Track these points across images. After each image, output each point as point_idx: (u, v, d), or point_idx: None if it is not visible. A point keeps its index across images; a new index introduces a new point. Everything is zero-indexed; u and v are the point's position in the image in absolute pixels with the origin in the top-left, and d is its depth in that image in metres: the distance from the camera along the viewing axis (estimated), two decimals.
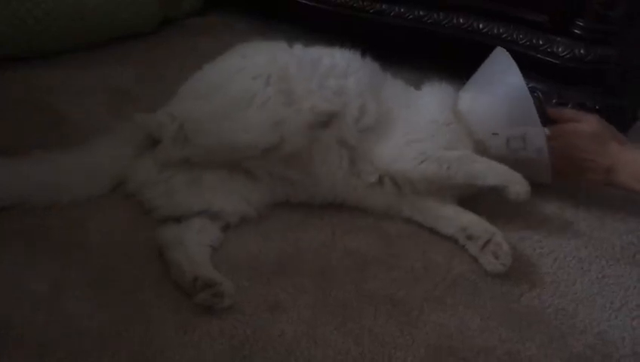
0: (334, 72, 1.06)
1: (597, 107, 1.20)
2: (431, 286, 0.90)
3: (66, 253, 0.90)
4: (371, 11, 1.44)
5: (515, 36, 1.27)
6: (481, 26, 1.32)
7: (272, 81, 1.01)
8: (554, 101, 1.22)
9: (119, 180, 1.01)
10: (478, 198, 1.04)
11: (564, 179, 1.05)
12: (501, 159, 1.04)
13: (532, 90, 1.24)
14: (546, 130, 1.03)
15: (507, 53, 1.04)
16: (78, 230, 0.94)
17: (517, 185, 0.96)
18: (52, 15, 1.39)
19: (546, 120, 1.07)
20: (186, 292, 0.83)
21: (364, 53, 1.12)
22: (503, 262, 0.91)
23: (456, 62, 1.34)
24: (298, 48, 1.11)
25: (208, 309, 0.82)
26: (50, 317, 0.80)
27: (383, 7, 1.42)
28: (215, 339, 0.79)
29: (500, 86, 1.04)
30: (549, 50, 1.23)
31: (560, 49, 1.22)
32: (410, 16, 1.40)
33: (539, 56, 1.25)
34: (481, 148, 1.04)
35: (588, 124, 1.04)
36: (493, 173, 0.98)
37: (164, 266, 0.88)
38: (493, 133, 1.04)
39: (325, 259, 0.94)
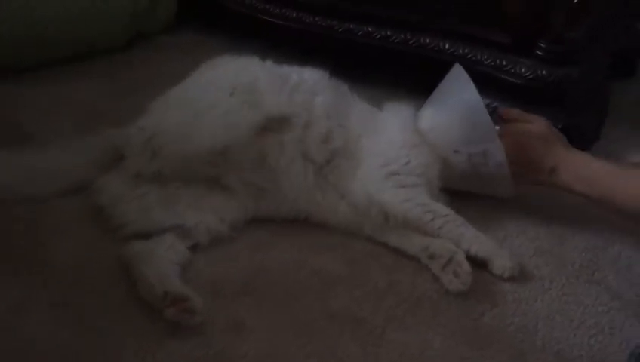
0: (302, 88, 1.08)
1: (559, 126, 1.23)
2: (394, 304, 0.91)
3: (27, 273, 0.89)
4: (340, 30, 1.46)
5: (479, 57, 1.30)
6: (447, 46, 1.34)
7: (237, 92, 1.03)
8: None
9: (73, 187, 1.03)
10: None
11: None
12: (464, 174, 1.06)
13: (497, 110, 1.26)
14: (496, 128, 1.05)
15: (463, 70, 1.06)
16: (39, 250, 0.94)
17: (502, 259, 0.97)
18: (21, 31, 1.38)
19: (496, 120, 1.09)
20: (155, 308, 0.83)
21: (333, 71, 1.13)
22: (463, 281, 0.92)
23: (423, 80, 1.36)
24: (268, 63, 1.13)
25: (176, 326, 0.82)
26: (10, 339, 0.79)
27: (352, 26, 1.44)
28: (178, 361, 0.78)
29: (457, 103, 1.06)
30: (512, 70, 1.26)
31: (523, 69, 1.25)
32: (378, 36, 1.42)
33: (503, 76, 1.28)
34: (445, 164, 1.06)
35: (536, 124, 1.07)
36: (478, 243, 0.98)
37: (127, 287, 0.87)
38: (455, 151, 1.06)
39: (290, 278, 0.94)
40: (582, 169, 1.01)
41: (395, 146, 1.06)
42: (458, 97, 1.06)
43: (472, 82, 1.03)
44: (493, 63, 1.29)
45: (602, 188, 0.98)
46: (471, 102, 1.03)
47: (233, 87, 1.03)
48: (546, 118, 1.22)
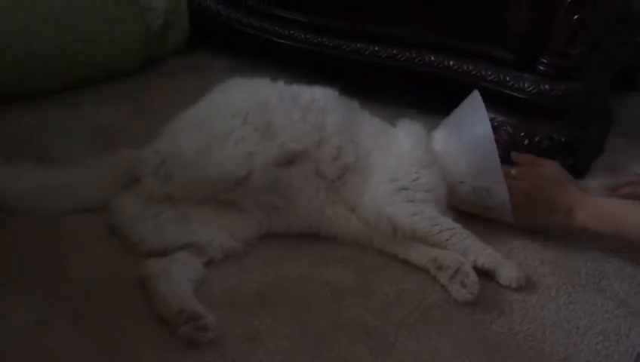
0: (314, 107, 1.11)
1: (563, 139, 1.26)
2: (404, 314, 0.93)
3: (50, 288, 0.92)
4: (347, 50, 1.49)
5: (483, 73, 1.33)
6: (451, 63, 1.37)
7: (250, 118, 1.06)
8: (522, 134, 1.27)
9: (88, 205, 1.07)
10: None
11: (528, 219, 1.09)
12: (468, 201, 1.09)
13: (501, 124, 1.30)
14: (513, 171, 1.07)
15: (481, 100, 1.08)
16: (61, 265, 0.97)
17: (508, 269, 0.99)
18: (37, 56, 1.42)
19: (510, 162, 1.12)
20: (170, 325, 0.86)
21: (341, 90, 1.16)
22: (470, 290, 0.95)
23: (429, 97, 1.40)
24: (280, 84, 1.16)
25: (190, 342, 0.84)
26: (34, 353, 0.82)
27: (359, 45, 1.48)
28: None
29: (469, 135, 1.09)
30: (516, 85, 1.29)
31: (526, 84, 1.28)
32: (385, 55, 1.45)
33: (507, 91, 1.30)
34: (451, 191, 1.09)
35: (549, 167, 1.10)
36: (484, 254, 1.00)
37: (145, 300, 0.90)
38: (461, 181, 1.08)
39: (302, 290, 0.97)
40: (597, 208, 1.04)
41: (406, 163, 1.08)
42: (471, 129, 1.08)
43: (487, 118, 1.05)
44: (496, 79, 1.32)
45: (616, 224, 1.01)
46: (482, 139, 1.05)
47: (245, 113, 1.06)
48: (550, 131, 1.26)
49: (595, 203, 1.05)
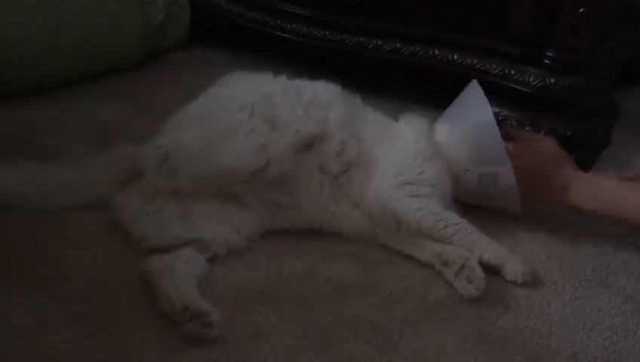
0: (317, 102, 1.09)
1: (568, 133, 1.25)
2: (409, 310, 0.92)
3: (51, 287, 0.91)
4: (350, 44, 1.48)
5: (488, 66, 1.32)
6: (455, 57, 1.37)
7: (257, 110, 1.05)
8: (527, 128, 1.27)
9: (88, 203, 1.06)
10: None
11: (527, 200, 1.07)
12: (473, 191, 1.08)
13: (506, 118, 1.29)
14: (509, 146, 1.06)
15: (479, 87, 1.07)
16: (61, 264, 0.96)
17: (514, 264, 0.98)
18: (37, 52, 1.42)
19: (506, 139, 1.10)
20: (175, 322, 0.85)
21: (344, 84, 1.15)
22: (476, 286, 0.94)
23: (433, 91, 1.39)
24: (282, 79, 1.15)
25: (195, 339, 0.83)
26: (35, 353, 0.81)
27: (362, 39, 1.47)
28: None
29: (471, 123, 1.08)
30: (520, 79, 1.28)
31: (531, 78, 1.27)
32: (388, 48, 1.44)
33: (511, 85, 1.30)
34: (456, 182, 1.08)
35: (546, 145, 1.09)
36: (489, 249, 0.99)
37: (146, 299, 0.89)
38: (466, 170, 1.07)
39: (306, 286, 0.96)
40: (592, 188, 1.03)
41: (409, 157, 1.07)
42: (472, 117, 1.07)
43: (487, 103, 1.04)
44: (501, 73, 1.31)
45: (611, 204, 1.01)
46: (484, 125, 1.04)
47: (251, 106, 1.05)
48: (555, 125, 1.25)
49: (591, 183, 1.04)
